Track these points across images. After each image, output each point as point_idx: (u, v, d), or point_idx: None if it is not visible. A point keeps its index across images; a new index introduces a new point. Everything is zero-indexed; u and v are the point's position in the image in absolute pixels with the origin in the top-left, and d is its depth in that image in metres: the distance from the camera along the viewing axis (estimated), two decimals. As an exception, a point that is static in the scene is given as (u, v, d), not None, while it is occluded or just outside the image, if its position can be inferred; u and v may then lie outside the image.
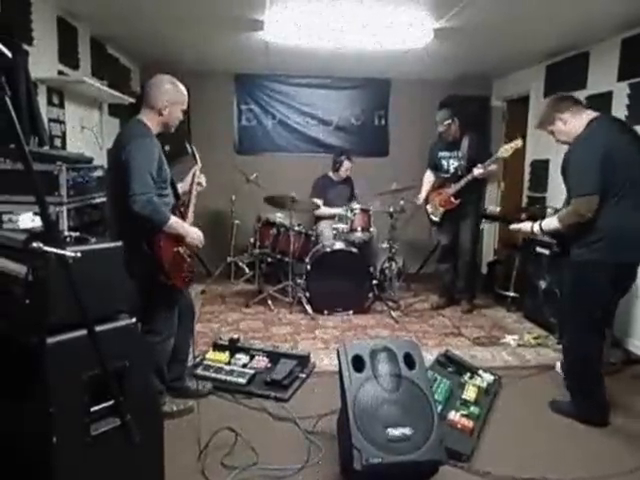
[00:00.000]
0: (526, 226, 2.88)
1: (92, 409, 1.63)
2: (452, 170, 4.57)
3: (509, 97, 5.88)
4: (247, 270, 5.37)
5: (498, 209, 4.94)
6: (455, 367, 3.04)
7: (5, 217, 1.97)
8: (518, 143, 4.04)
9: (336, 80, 6.03)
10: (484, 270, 5.49)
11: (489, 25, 3.81)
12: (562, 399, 2.84)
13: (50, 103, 3.57)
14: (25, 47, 3.06)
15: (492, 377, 3.06)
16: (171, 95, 2.51)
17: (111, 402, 1.62)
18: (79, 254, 1.16)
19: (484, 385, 2.94)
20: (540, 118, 2.77)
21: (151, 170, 2.36)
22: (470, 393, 2.81)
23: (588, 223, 2.50)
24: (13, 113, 0.97)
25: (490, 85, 6.16)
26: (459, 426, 2.52)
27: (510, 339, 3.91)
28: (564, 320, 2.96)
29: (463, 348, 3.71)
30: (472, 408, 2.68)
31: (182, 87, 2.59)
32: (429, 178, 4.81)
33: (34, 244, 1.10)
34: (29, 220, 1.99)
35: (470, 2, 3.28)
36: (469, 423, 2.54)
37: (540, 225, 2.75)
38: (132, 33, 4.32)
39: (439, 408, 2.48)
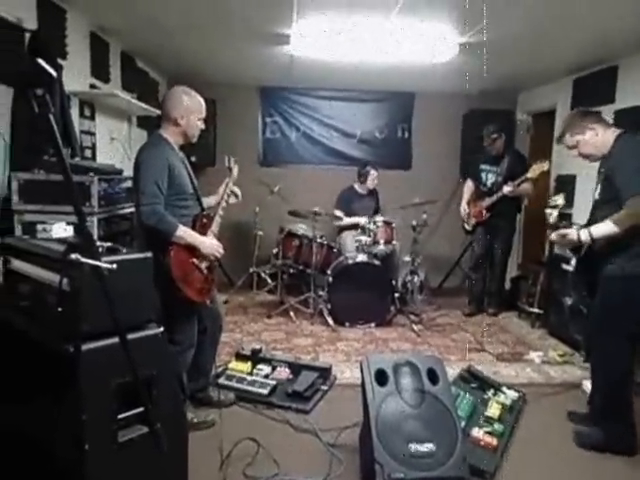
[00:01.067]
0: (572, 233, 2.52)
1: (119, 416, 1.67)
2: (489, 184, 4.81)
3: (535, 111, 5.83)
4: (269, 281, 5.39)
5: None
6: (478, 383, 3.00)
7: (39, 227, 2.03)
8: (545, 166, 4.30)
9: (360, 93, 6.07)
10: (507, 285, 5.41)
11: (515, 40, 3.81)
12: (585, 429, 2.69)
13: (82, 115, 3.69)
14: (60, 61, 3.17)
15: (516, 394, 3.01)
16: (186, 105, 2.53)
17: (138, 410, 1.65)
18: (114, 266, 1.20)
19: (508, 402, 2.89)
20: (568, 127, 2.64)
21: (158, 180, 2.37)
22: (494, 410, 2.77)
23: None
24: (56, 129, 1.01)
25: (515, 99, 6.12)
26: (482, 443, 2.48)
27: (534, 356, 3.84)
28: (595, 336, 2.72)
29: (486, 364, 3.66)
30: (496, 425, 2.64)
31: (198, 97, 2.60)
32: (469, 188, 5.04)
33: (72, 255, 1.14)
34: (62, 230, 2.05)
35: (496, 18, 3.29)
36: (493, 440, 2.51)
37: (590, 231, 2.46)
38: (161, 47, 4.43)
39: (462, 424, 2.45)
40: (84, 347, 1.49)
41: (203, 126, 2.64)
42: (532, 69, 4.87)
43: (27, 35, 2.74)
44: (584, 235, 2.47)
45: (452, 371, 3.16)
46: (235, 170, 2.94)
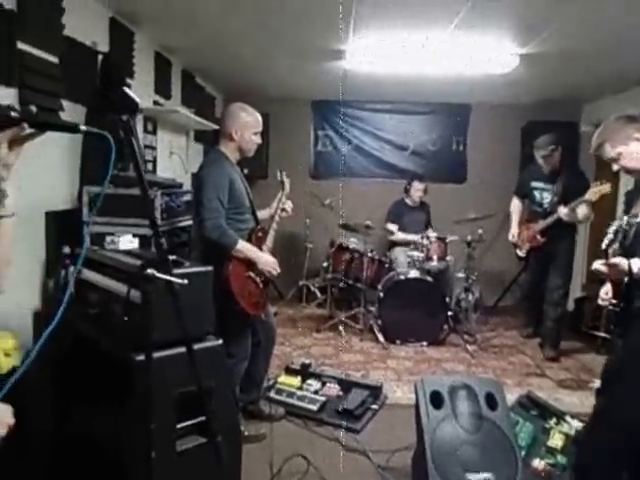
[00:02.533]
0: (623, 263, 1.93)
1: (178, 426, 1.70)
2: (545, 204, 4.22)
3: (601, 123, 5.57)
4: (319, 294, 5.38)
5: None
6: (539, 410, 2.84)
7: (108, 238, 2.13)
8: (606, 188, 3.68)
9: (413, 105, 6.01)
10: (570, 307, 5.13)
11: (579, 50, 3.66)
12: None
13: (145, 130, 3.85)
14: (128, 80, 3.33)
15: (581, 424, 2.82)
16: (241, 120, 2.59)
17: (197, 420, 1.67)
18: (186, 281, 1.23)
19: (572, 432, 2.71)
20: (608, 135, 2.22)
21: (219, 195, 2.43)
22: (556, 440, 2.61)
23: None
24: (138, 153, 1.06)
25: (579, 110, 5.86)
26: (544, 475, 2.35)
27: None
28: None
29: (546, 390, 3.48)
30: (559, 457, 2.49)
31: (254, 112, 2.65)
32: (517, 208, 4.51)
33: (148, 271, 1.19)
34: (128, 242, 2.13)
35: (558, 28, 3.18)
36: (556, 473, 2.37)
37: None
38: (219, 63, 4.56)
39: (522, 454, 2.33)
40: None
41: (259, 140, 2.68)
42: (599, 79, 4.65)
43: (99, 57, 2.90)
44: (635, 265, 1.90)
45: (509, 396, 3.00)
46: (287, 184, 2.99)
